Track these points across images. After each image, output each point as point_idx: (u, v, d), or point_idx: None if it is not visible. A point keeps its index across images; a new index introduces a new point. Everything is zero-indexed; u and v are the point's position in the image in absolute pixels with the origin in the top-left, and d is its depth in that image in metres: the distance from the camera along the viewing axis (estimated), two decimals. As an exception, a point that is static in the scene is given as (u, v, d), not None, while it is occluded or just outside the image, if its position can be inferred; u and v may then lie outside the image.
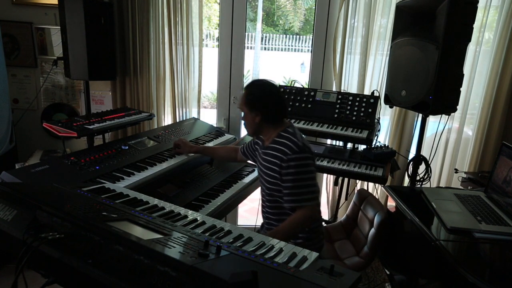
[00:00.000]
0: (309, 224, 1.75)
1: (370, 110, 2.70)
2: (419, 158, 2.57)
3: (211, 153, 2.35)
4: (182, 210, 1.29)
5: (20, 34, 2.99)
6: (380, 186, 3.00)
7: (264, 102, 1.76)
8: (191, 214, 1.26)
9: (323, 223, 2.82)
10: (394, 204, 2.15)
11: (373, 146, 2.69)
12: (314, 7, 3.08)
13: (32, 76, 3.10)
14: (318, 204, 1.78)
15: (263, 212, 1.97)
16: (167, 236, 0.97)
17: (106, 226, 0.95)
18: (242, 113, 1.86)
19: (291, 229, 1.69)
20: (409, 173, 2.67)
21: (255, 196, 2.45)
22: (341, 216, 2.67)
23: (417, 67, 2.25)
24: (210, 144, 2.60)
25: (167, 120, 3.18)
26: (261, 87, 1.80)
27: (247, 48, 3.19)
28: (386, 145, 2.76)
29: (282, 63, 10.12)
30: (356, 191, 2.73)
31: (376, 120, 2.74)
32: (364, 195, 2.48)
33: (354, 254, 2.30)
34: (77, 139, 2.44)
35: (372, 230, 2.20)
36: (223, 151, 2.32)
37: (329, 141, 3.10)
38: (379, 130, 2.85)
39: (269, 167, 1.77)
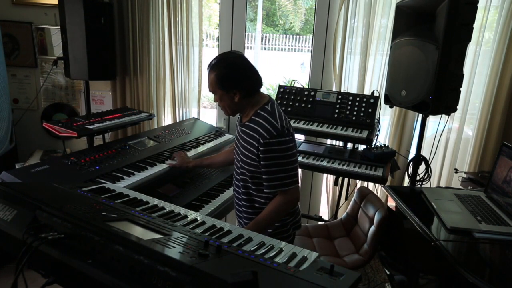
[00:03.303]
0: (291, 207, 1.72)
1: (370, 110, 2.70)
2: (419, 158, 2.57)
3: (209, 163, 2.20)
4: (182, 210, 1.29)
5: (20, 34, 2.99)
6: (380, 186, 3.00)
7: (237, 77, 1.64)
8: (191, 214, 1.26)
9: (322, 222, 2.84)
10: (394, 204, 2.15)
11: (373, 146, 2.69)
12: (314, 7, 3.08)
13: (32, 76, 3.10)
14: (298, 187, 1.73)
15: (236, 197, 1.90)
16: (167, 236, 0.97)
17: (106, 226, 0.95)
18: (214, 97, 1.73)
19: (273, 216, 1.67)
20: (409, 173, 2.67)
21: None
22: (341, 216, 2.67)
23: (417, 67, 2.25)
24: (210, 144, 2.60)
25: (167, 120, 3.18)
26: (227, 63, 1.66)
27: (247, 48, 3.19)
28: (386, 145, 2.76)
29: (282, 63, 10.12)
30: (356, 189, 2.73)
31: (376, 120, 2.74)
32: (364, 193, 2.48)
33: (354, 251, 2.30)
34: (77, 139, 2.44)
35: (372, 227, 2.21)
36: (222, 156, 2.17)
37: (329, 141, 3.10)
38: (379, 130, 2.85)
39: (245, 146, 1.70)
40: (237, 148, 1.82)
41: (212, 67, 1.67)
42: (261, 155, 1.62)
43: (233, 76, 1.65)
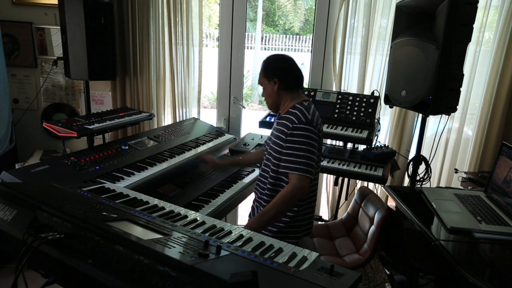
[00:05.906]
0: (297, 196, 1.72)
1: (370, 110, 2.70)
2: (419, 158, 2.57)
3: (241, 162, 2.35)
4: (182, 210, 1.29)
5: (20, 34, 2.99)
6: (380, 186, 3.00)
7: (279, 69, 1.84)
8: (191, 214, 1.26)
9: (322, 222, 2.84)
10: (394, 204, 2.15)
11: (373, 146, 2.69)
12: (314, 7, 3.08)
13: (32, 76, 3.10)
14: (311, 180, 1.77)
15: (258, 196, 1.95)
16: (167, 236, 0.97)
17: (106, 226, 0.95)
18: (262, 88, 1.92)
19: (279, 203, 1.69)
20: (409, 173, 2.66)
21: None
22: (341, 216, 2.67)
23: (417, 67, 2.25)
24: (210, 144, 2.60)
25: (167, 120, 3.18)
26: (276, 56, 1.90)
27: (247, 48, 3.19)
28: (386, 145, 2.76)
29: (282, 63, 10.05)
30: (356, 189, 2.73)
31: (376, 120, 2.74)
32: (365, 193, 2.48)
33: (354, 251, 2.30)
34: (77, 139, 2.44)
35: (372, 227, 2.20)
36: (252, 155, 2.33)
37: (329, 141, 3.10)
38: (379, 130, 2.85)
39: (278, 135, 1.82)
40: (269, 141, 1.92)
41: (264, 60, 1.90)
42: (287, 138, 1.76)
43: (275, 66, 1.85)
